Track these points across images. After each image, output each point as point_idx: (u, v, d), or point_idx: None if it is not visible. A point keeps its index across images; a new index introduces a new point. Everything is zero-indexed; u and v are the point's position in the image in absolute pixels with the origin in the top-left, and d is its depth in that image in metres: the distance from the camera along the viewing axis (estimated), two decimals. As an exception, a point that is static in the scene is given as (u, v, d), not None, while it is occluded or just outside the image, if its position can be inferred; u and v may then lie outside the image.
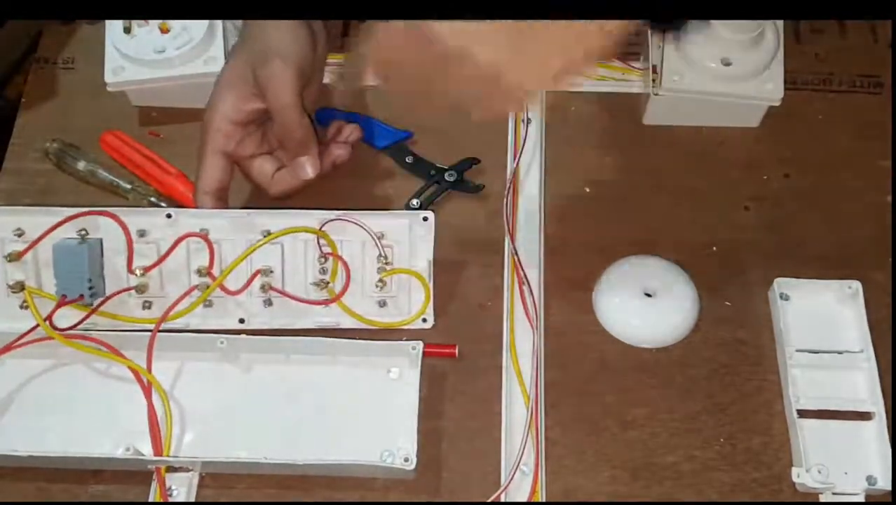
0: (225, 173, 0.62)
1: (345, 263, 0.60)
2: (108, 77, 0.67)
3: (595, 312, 0.63)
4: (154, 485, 0.56)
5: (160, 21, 0.66)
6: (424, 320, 0.62)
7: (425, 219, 0.61)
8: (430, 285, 0.61)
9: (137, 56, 0.66)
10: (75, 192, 0.67)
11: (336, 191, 0.67)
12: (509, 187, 0.67)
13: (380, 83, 0.53)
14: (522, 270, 0.64)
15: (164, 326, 0.58)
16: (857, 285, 0.61)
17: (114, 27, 0.67)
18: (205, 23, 0.67)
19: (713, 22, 0.64)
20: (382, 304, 0.62)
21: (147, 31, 0.66)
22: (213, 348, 0.59)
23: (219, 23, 0.67)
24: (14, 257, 0.59)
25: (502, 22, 0.45)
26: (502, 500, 0.56)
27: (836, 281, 0.62)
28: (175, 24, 0.66)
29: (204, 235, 0.60)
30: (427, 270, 0.61)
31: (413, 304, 0.62)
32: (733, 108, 0.68)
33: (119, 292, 0.60)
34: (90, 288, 0.58)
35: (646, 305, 0.62)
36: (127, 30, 0.66)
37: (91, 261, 0.59)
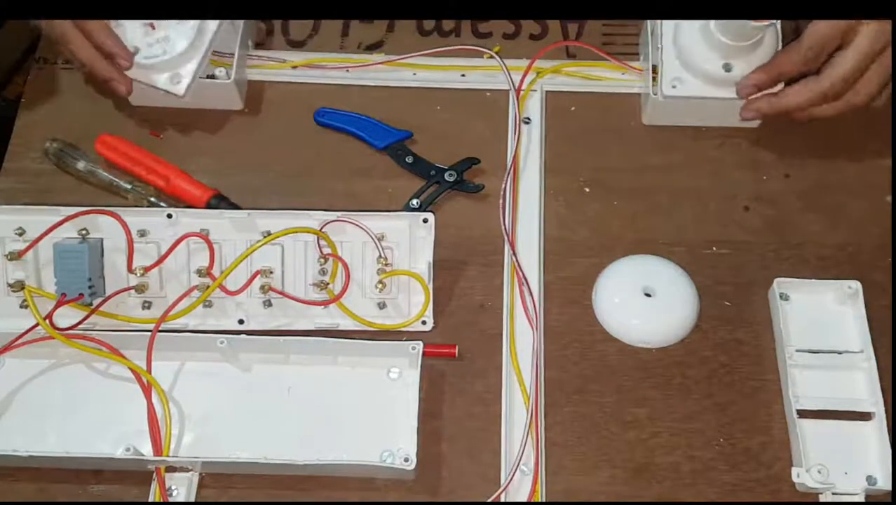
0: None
1: (345, 264, 0.60)
2: None
3: (595, 311, 0.63)
4: (154, 485, 0.56)
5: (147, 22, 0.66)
6: (424, 323, 0.61)
7: (425, 220, 0.61)
8: (430, 288, 0.61)
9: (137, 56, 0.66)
10: (75, 192, 0.67)
11: (336, 191, 0.67)
12: (509, 187, 0.67)
13: None
14: (522, 270, 0.64)
15: (163, 326, 0.58)
16: (857, 285, 0.61)
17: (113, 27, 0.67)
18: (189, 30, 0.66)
19: (713, 28, 0.64)
20: (382, 305, 0.62)
21: (144, 34, 0.66)
22: (213, 348, 0.59)
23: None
24: (14, 256, 0.59)
25: None
26: (502, 500, 0.56)
27: (836, 281, 0.62)
28: (159, 31, 0.66)
29: (204, 236, 0.60)
30: (427, 273, 0.61)
31: (413, 306, 0.62)
32: (734, 109, 0.68)
33: (119, 292, 0.60)
34: (90, 287, 0.58)
35: (645, 305, 0.62)
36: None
37: (91, 260, 0.59)
